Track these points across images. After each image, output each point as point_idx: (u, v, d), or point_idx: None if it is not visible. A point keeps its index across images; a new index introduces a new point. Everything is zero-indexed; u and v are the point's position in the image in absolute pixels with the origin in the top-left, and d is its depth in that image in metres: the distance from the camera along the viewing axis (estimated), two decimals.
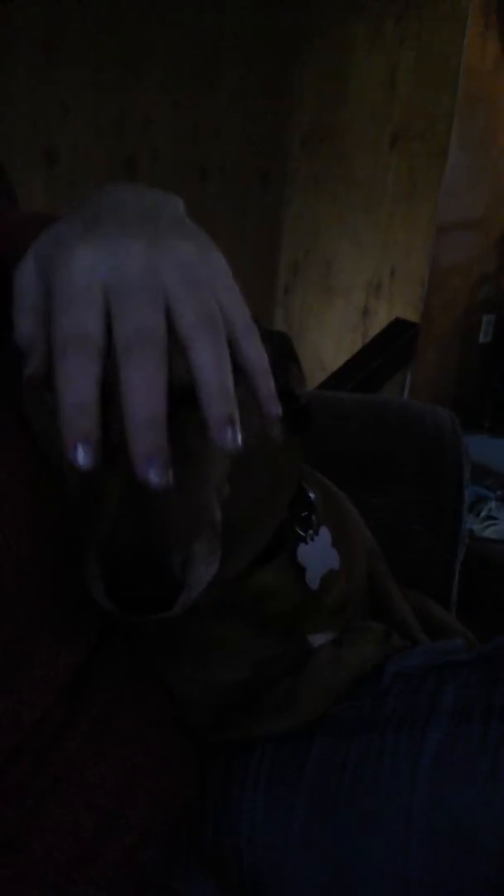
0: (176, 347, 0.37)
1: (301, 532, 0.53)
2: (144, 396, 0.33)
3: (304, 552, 0.53)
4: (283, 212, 2.17)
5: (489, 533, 1.96)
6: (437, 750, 0.48)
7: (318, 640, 0.56)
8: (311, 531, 0.54)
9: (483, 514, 2.02)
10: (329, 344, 2.38)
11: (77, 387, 0.33)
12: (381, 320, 2.32)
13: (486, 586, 0.90)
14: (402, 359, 2.21)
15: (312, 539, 0.54)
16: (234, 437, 0.35)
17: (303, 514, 0.54)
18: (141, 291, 0.34)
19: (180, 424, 0.39)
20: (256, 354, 0.39)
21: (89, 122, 1.59)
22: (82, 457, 0.33)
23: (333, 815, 0.50)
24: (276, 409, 0.39)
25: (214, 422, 0.35)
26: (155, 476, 0.32)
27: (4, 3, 1.31)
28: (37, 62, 1.45)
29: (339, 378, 2.08)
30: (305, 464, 0.59)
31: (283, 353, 0.50)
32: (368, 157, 2.19)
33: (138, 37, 1.60)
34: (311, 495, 0.55)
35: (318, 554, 0.54)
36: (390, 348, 2.15)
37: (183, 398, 0.38)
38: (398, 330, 2.19)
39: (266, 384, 0.39)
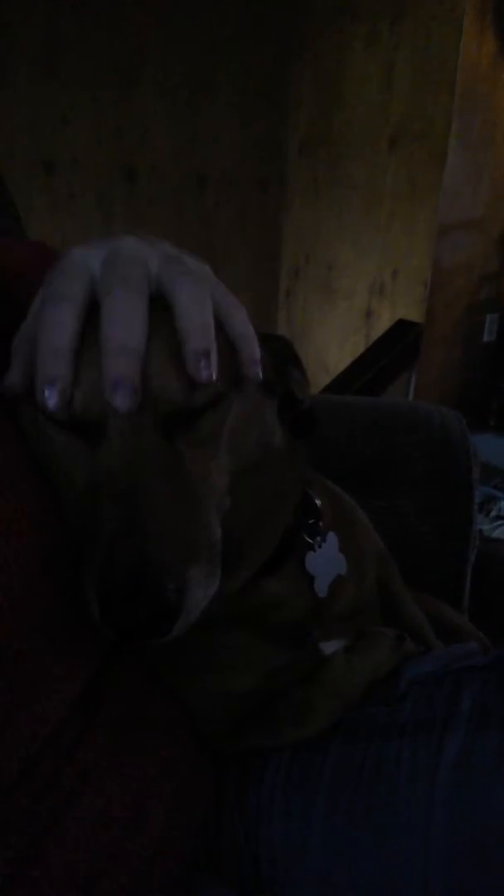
0: (174, 370, 0.38)
1: (308, 539, 0.53)
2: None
3: (312, 560, 0.53)
4: (283, 216, 2.17)
5: (499, 533, 1.95)
6: (455, 756, 0.48)
7: (330, 647, 0.55)
8: (318, 538, 0.53)
9: (493, 514, 2.01)
10: (332, 347, 2.38)
11: (52, 333, 0.36)
12: (384, 322, 2.32)
13: (498, 588, 0.89)
14: (407, 360, 2.21)
15: (320, 546, 0.53)
16: (209, 371, 0.38)
17: (309, 522, 0.54)
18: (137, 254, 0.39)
19: (177, 448, 0.39)
20: (242, 326, 0.42)
21: (88, 133, 1.60)
22: (51, 399, 0.36)
23: (352, 823, 0.50)
24: (255, 369, 0.42)
25: (191, 354, 0.38)
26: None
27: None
28: (36, 75, 1.46)
29: (344, 381, 2.08)
30: (312, 469, 0.58)
31: (284, 357, 0.49)
32: (367, 160, 2.19)
33: (135, 48, 1.61)
34: (317, 502, 0.55)
35: (325, 561, 0.54)
36: (394, 350, 2.14)
37: (180, 421, 0.39)
38: (401, 331, 2.18)
39: (249, 347, 0.42)
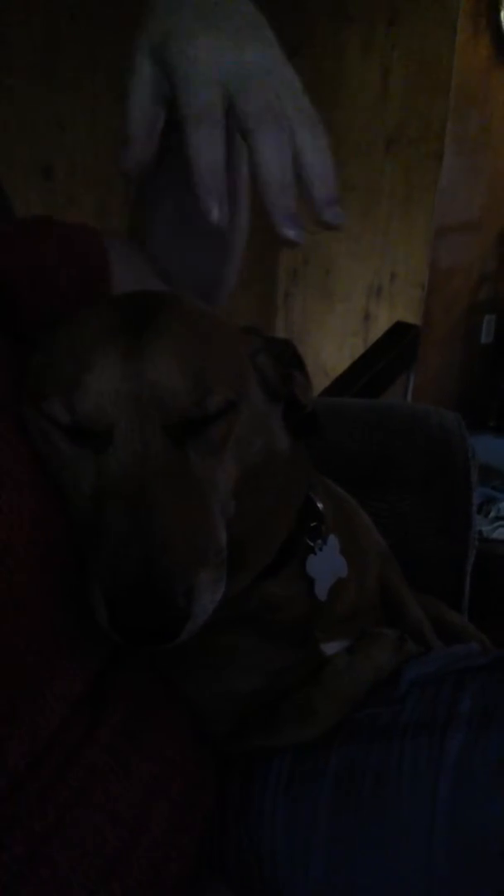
0: (181, 374, 0.39)
1: (310, 542, 0.53)
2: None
3: (313, 563, 0.53)
4: None
5: (499, 534, 1.95)
6: (457, 757, 0.48)
7: (331, 648, 0.55)
8: (319, 541, 0.53)
9: (492, 515, 2.01)
10: (331, 349, 2.38)
11: (210, 151, 0.39)
12: (382, 324, 2.32)
13: (498, 588, 0.89)
14: (405, 362, 2.21)
15: (321, 549, 0.53)
16: (297, 231, 0.40)
17: (311, 525, 0.54)
18: (261, 77, 0.41)
19: (185, 454, 0.39)
20: (322, 166, 0.42)
21: (86, 139, 1.60)
22: (216, 214, 0.39)
23: (354, 824, 0.50)
24: (333, 214, 0.42)
25: (279, 214, 0.40)
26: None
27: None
28: (33, 80, 1.46)
29: (342, 383, 2.08)
30: (315, 471, 0.58)
31: (287, 360, 0.49)
32: (364, 162, 2.20)
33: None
34: (320, 505, 0.55)
35: (326, 564, 0.54)
36: (392, 351, 2.14)
37: (191, 430, 0.39)
38: (400, 333, 2.19)
39: (327, 188, 0.42)
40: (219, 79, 0.40)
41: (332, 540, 0.55)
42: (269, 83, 0.41)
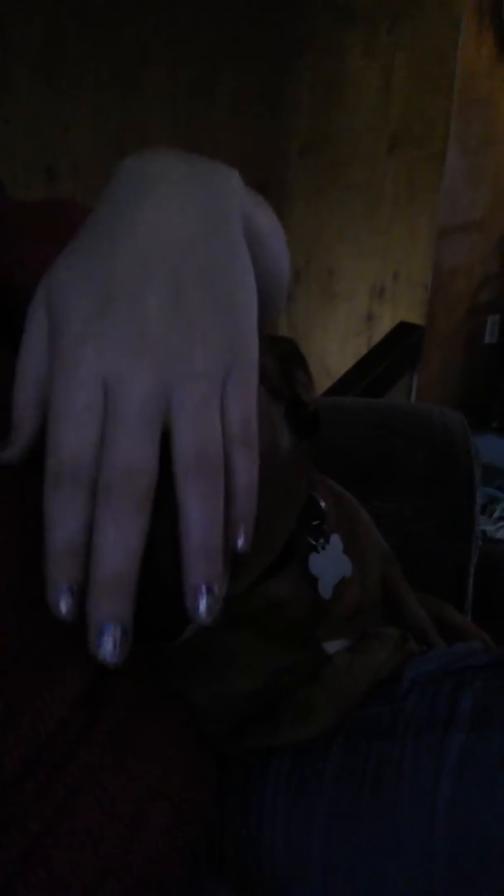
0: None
1: (312, 542, 0.53)
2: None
3: (316, 562, 0.53)
4: (283, 220, 2.17)
5: (503, 534, 1.95)
6: (458, 756, 0.48)
7: (332, 647, 0.55)
8: (322, 540, 0.53)
9: (496, 515, 2.01)
10: (334, 350, 2.38)
11: (67, 523, 0.31)
12: (385, 324, 2.32)
13: (501, 588, 0.89)
14: (408, 362, 2.21)
15: (324, 548, 0.53)
16: (208, 610, 0.31)
17: (313, 524, 0.54)
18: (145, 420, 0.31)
19: None
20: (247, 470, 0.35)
21: (89, 139, 1.60)
22: (64, 604, 0.31)
23: (355, 824, 0.50)
24: (243, 533, 0.35)
25: (189, 588, 0.32)
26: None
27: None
28: (36, 80, 1.46)
29: (346, 383, 2.08)
30: (316, 470, 0.58)
31: (290, 358, 0.49)
32: (367, 163, 2.20)
33: (135, 53, 1.62)
34: (322, 504, 0.55)
35: (330, 563, 0.54)
36: (396, 352, 2.14)
37: None
38: (403, 333, 2.19)
39: (246, 503, 0.35)
40: (92, 419, 0.31)
41: (335, 539, 0.55)
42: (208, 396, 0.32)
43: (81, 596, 0.31)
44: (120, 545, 0.30)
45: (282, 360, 0.48)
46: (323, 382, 2.21)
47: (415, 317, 2.31)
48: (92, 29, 1.52)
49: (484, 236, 2.51)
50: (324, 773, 0.52)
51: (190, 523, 0.32)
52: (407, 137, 2.18)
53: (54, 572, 0.31)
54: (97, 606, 0.30)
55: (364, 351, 2.29)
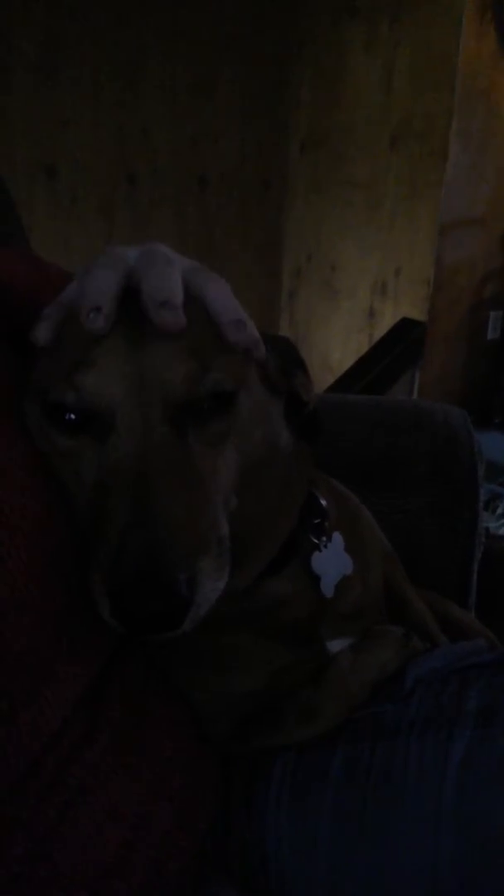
0: (180, 361, 0.39)
1: (314, 540, 0.53)
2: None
3: (318, 560, 0.53)
4: (285, 217, 2.17)
5: None
6: (463, 754, 0.47)
7: (336, 645, 0.55)
8: (324, 538, 0.53)
9: (499, 511, 2.00)
10: (336, 346, 2.38)
11: (99, 283, 0.40)
12: (387, 321, 2.31)
13: None
14: (410, 358, 2.20)
15: (326, 546, 0.53)
16: (244, 334, 0.43)
17: (315, 522, 0.54)
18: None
19: (187, 443, 0.39)
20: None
21: (89, 137, 1.60)
22: (97, 321, 0.39)
23: (360, 823, 0.50)
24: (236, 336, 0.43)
25: (230, 325, 0.42)
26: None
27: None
28: (36, 78, 1.46)
29: (348, 380, 2.07)
30: (318, 469, 0.58)
31: (288, 358, 0.49)
32: (368, 159, 2.20)
33: (135, 50, 1.61)
34: (323, 502, 0.55)
35: (332, 561, 0.54)
36: (398, 348, 2.13)
37: (189, 416, 0.39)
38: (405, 330, 2.18)
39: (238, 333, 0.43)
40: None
41: (337, 537, 0.55)
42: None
43: None
44: (169, 280, 0.41)
45: (281, 358, 0.48)
46: (325, 379, 2.21)
47: (417, 313, 2.30)
48: (92, 26, 1.51)
49: (486, 232, 2.50)
50: (328, 773, 0.52)
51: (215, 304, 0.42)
52: (408, 133, 2.17)
53: (89, 299, 0.40)
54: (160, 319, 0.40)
55: (366, 347, 2.28)
